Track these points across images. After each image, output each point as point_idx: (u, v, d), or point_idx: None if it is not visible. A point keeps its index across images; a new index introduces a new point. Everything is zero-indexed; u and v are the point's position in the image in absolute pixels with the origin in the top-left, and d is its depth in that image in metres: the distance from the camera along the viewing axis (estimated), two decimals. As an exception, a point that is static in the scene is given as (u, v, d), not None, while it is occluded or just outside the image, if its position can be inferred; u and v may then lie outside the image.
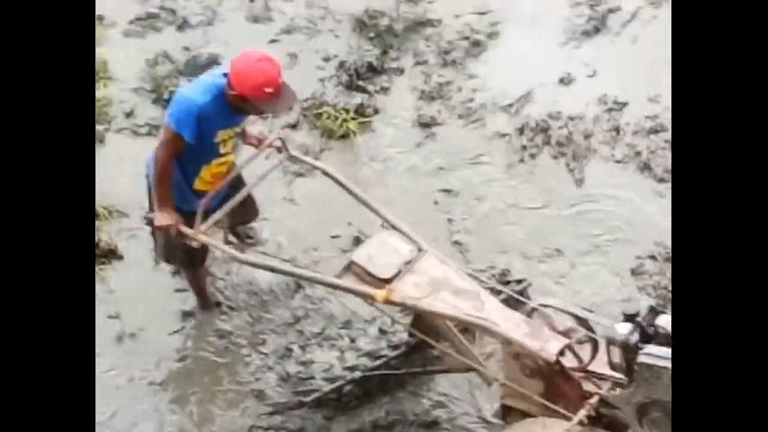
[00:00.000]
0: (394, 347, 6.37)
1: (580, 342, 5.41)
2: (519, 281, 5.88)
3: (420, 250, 5.66)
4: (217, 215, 5.85)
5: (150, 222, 5.94)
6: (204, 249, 6.25)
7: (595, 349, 5.37)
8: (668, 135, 7.78)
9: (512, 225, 7.26)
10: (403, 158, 7.72)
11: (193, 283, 6.60)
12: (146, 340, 6.62)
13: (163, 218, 5.81)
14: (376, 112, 8.00)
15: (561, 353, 5.29)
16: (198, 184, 5.92)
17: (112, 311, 6.71)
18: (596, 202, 7.44)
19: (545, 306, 5.51)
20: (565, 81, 8.21)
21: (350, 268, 5.65)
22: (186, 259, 6.37)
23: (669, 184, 7.47)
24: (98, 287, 6.71)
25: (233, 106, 5.66)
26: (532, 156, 7.72)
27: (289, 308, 6.72)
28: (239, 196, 5.92)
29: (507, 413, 5.65)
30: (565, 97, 8.08)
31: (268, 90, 5.54)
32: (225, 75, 5.65)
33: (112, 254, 6.95)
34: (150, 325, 6.68)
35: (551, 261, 7.04)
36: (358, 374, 6.26)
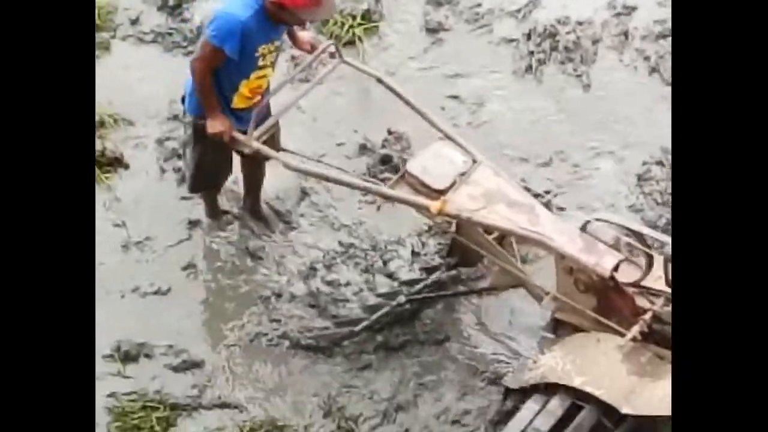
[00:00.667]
0: (429, 269, 6.27)
1: (634, 257, 5.37)
2: (542, 194, 5.85)
3: (474, 161, 5.61)
4: (270, 121, 5.88)
5: (202, 128, 5.90)
6: (226, 173, 6.34)
7: (649, 265, 5.32)
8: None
9: (519, 131, 7.21)
10: (410, 64, 7.66)
11: (208, 199, 6.64)
12: (152, 248, 6.63)
13: (215, 125, 5.79)
14: (383, 18, 7.92)
15: (615, 268, 5.26)
16: (237, 102, 5.91)
17: (118, 220, 6.71)
18: (604, 107, 7.39)
19: (601, 220, 5.46)
20: (574, -15, 8.11)
21: (404, 177, 5.62)
22: (215, 186, 6.47)
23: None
24: (104, 195, 6.73)
25: (274, 17, 5.64)
26: (540, 62, 7.65)
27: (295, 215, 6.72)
28: (294, 101, 5.99)
29: (558, 327, 5.63)
30: (573, 2, 7.98)
31: None
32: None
33: (118, 162, 6.93)
34: (156, 233, 6.68)
35: (557, 167, 7.01)
36: (402, 299, 6.12)
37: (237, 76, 5.80)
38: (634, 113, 7.35)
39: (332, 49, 6.00)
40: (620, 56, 7.69)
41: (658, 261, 5.27)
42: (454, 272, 6.21)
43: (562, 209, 6.53)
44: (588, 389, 5.10)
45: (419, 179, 5.54)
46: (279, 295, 6.27)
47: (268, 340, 6.13)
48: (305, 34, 6.10)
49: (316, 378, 5.98)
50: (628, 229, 5.42)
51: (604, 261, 5.25)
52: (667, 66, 7.53)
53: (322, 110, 7.24)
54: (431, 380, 6.01)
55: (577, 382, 5.14)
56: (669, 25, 7.75)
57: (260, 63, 5.81)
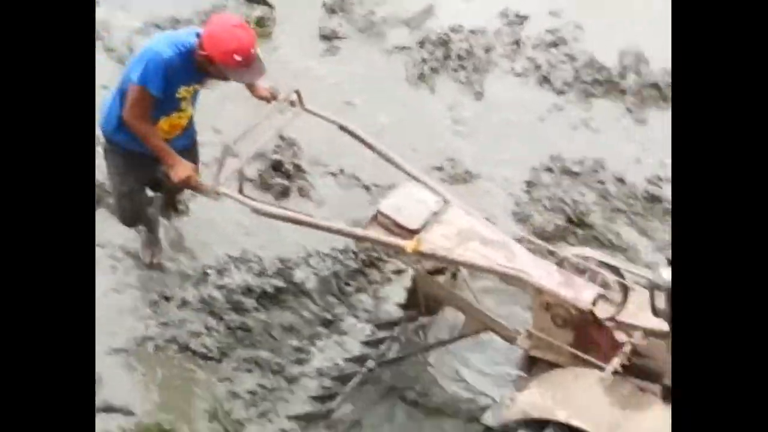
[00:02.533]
0: (388, 325, 6.14)
1: (610, 290, 5.34)
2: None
3: (446, 201, 5.58)
4: (237, 167, 5.72)
5: (165, 177, 5.75)
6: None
7: (625, 297, 5.32)
8: (568, 48, 7.86)
9: (412, 138, 7.27)
10: (305, 71, 7.69)
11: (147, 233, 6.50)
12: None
13: (178, 172, 5.62)
14: (276, 24, 7.94)
15: (594, 302, 5.23)
16: None
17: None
18: (495, 115, 7.48)
19: (578, 256, 5.45)
20: (467, -6, 8.23)
21: (377, 218, 5.54)
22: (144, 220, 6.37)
23: (568, 96, 7.56)
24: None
25: (200, 66, 5.57)
26: (433, 69, 7.73)
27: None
28: (262, 142, 5.85)
29: (532, 364, 5.58)
30: (466, 11, 8.08)
31: (238, 58, 5.42)
32: (198, 35, 5.55)
33: None
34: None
35: (447, 173, 7.07)
36: (372, 363, 5.90)
37: (157, 113, 5.69)
38: (524, 121, 7.44)
39: (293, 97, 5.91)
40: (512, 64, 7.79)
41: (633, 294, 5.31)
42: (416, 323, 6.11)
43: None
44: (574, 423, 5.10)
45: (392, 219, 5.48)
46: (168, 299, 6.23)
47: (156, 345, 6.08)
48: (262, 84, 5.98)
49: (203, 383, 5.95)
50: (603, 263, 5.42)
51: (583, 295, 5.23)
52: (557, 75, 7.66)
53: (214, 115, 7.21)
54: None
55: (561, 417, 5.11)
56: (561, 34, 7.90)
57: (182, 105, 5.74)
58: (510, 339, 5.59)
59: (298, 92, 5.86)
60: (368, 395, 5.90)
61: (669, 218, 6.86)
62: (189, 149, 5.97)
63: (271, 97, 5.90)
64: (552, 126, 7.46)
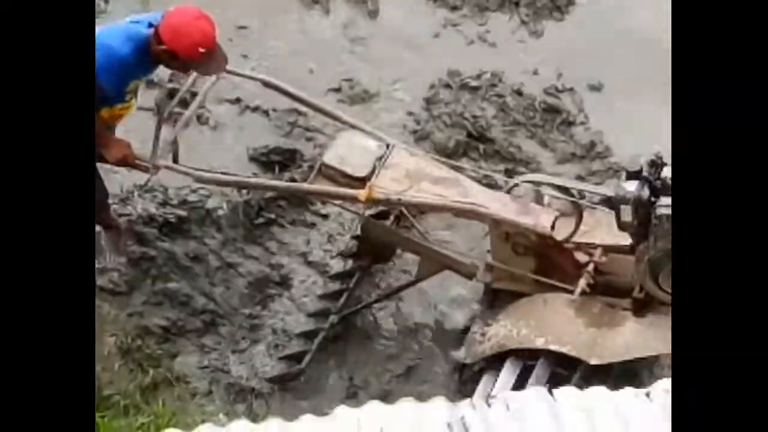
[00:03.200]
0: (343, 275, 6.07)
1: (565, 212, 5.37)
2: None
3: (388, 145, 5.53)
4: (170, 138, 5.63)
5: (101, 159, 5.52)
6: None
7: (579, 217, 5.32)
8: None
9: (306, 60, 7.19)
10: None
11: None
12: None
13: (113, 152, 5.48)
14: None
15: (553, 225, 5.22)
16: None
17: None
18: (390, 33, 7.43)
19: (527, 182, 5.46)
20: None
21: (321, 171, 5.49)
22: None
23: (462, 11, 7.54)
24: None
25: (156, 59, 5.36)
26: (328, -11, 7.64)
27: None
28: (191, 111, 5.77)
29: (494, 297, 5.58)
30: (357, -72, 7.97)
31: (202, 50, 5.24)
32: (150, 25, 5.30)
33: None
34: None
35: (345, 94, 7.03)
36: (335, 318, 5.89)
37: (100, 103, 5.39)
38: (420, 38, 7.40)
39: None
40: (406, -19, 7.73)
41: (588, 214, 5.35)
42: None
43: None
44: (553, 348, 5.13)
45: (339, 170, 5.44)
46: None
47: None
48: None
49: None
50: (552, 185, 5.45)
51: (541, 220, 5.23)
52: (453, -9, 7.63)
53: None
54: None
55: (539, 343, 5.16)
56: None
57: (127, 97, 5.53)
58: (469, 275, 5.59)
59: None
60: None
61: (567, 128, 6.94)
62: None
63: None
64: (447, 42, 7.42)
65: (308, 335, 5.86)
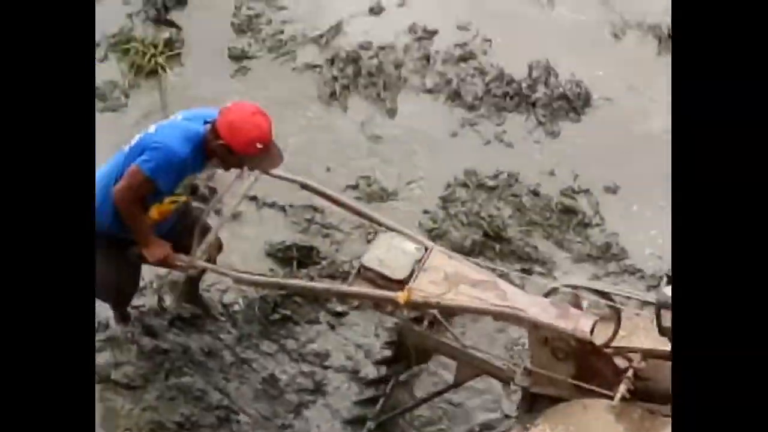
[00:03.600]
0: (377, 382, 6.04)
1: (604, 317, 5.27)
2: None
3: (426, 248, 5.52)
4: (210, 237, 5.61)
5: (139, 258, 5.56)
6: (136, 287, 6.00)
7: (618, 322, 5.23)
8: (477, 62, 7.89)
9: (326, 158, 7.24)
10: (215, 92, 7.61)
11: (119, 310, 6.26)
12: None
13: (154, 253, 5.47)
14: (185, 45, 7.87)
15: (592, 330, 5.14)
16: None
17: None
18: (408, 131, 7.50)
19: (567, 286, 5.39)
20: (375, 10, 8.22)
21: (360, 273, 5.46)
22: (125, 302, 6.10)
23: (479, 111, 7.60)
24: None
25: (212, 154, 5.36)
26: (344, 87, 7.72)
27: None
28: (226, 218, 5.91)
29: (532, 402, 5.47)
30: (375, 27, 8.09)
31: (260, 146, 5.26)
32: (206, 122, 5.33)
33: None
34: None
35: (362, 191, 7.09)
36: (372, 425, 5.89)
37: (152, 201, 5.46)
38: (437, 137, 7.46)
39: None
40: (423, 80, 7.81)
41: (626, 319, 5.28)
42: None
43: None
44: None
45: (377, 272, 5.40)
46: None
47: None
48: None
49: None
50: (591, 290, 5.38)
51: (581, 324, 5.15)
52: (468, 89, 7.70)
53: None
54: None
55: None
56: (470, 47, 7.93)
57: (178, 190, 5.54)
58: (506, 379, 5.52)
59: None
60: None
61: (583, 229, 6.96)
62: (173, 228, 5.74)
63: None
64: (465, 141, 7.48)
65: None
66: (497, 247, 6.79)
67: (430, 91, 7.78)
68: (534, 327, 5.26)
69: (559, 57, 7.94)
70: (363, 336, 6.35)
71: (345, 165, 7.23)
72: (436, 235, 6.79)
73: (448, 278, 5.37)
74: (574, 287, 5.40)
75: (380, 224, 5.76)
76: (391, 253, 5.46)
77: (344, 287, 5.58)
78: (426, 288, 5.32)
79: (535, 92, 7.80)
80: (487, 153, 7.43)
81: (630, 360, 5.25)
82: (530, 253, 6.77)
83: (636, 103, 7.75)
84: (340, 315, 6.40)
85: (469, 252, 6.59)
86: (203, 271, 5.89)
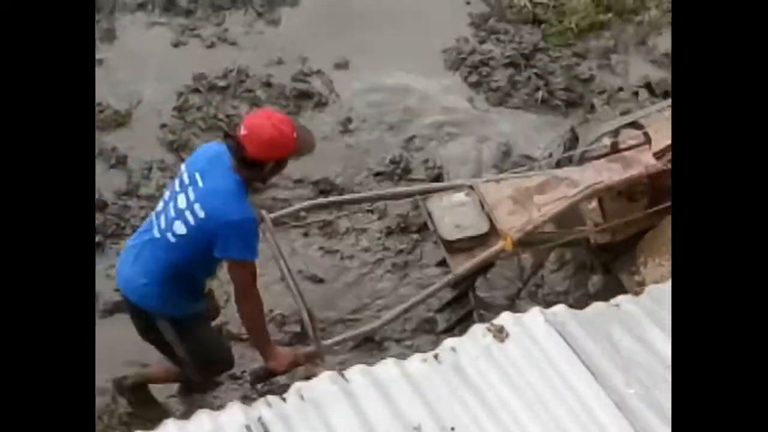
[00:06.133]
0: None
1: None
2: None
3: (469, 187, 5.53)
4: (349, 335, 5.43)
5: (265, 375, 5.23)
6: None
7: (649, 140, 5.62)
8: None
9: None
10: None
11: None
12: None
13: (281, 361, 5.13)
14: None
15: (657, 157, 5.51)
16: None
17: None
18: (130, 52, 7.37)
19: (605, 134, 5.72)
20: None
21: (451, 248, 5.40)
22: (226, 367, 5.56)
23: (198, 15, 7.53)
24: None
25: (260, 180, 5.05)
26: None
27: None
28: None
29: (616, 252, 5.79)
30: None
31: (295, 134, 4.81)
32: (231, 170, 4.81)
33: None
34: None
35: (99, 120, 6.83)
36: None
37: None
38: (159, 51, 7.41)
39: None
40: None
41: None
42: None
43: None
44: None
45: (464, 238, 5.40)
46: None
47: None
48: None
49: None
50: (618, 127, 5.76)
51: (645, 160, 5.54)
52: (181, -5, 7.59)
53: None
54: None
55: None
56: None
57: None
58: (580, 241, 5.80)
59: None
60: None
61: (322, 109, 7.04)
62: None
63: None
64: (188, 49, 7.41)
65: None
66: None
67: (142, 6, 7.63)
68: (608, 188, 5.57)
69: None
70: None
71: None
72: (178, 146, 6.70)
73: (518, 201, 5.50)
74: (615, 132, 5.76)
75: (437, 189, 5.71)
76: (456, 214, 5.48)
77: (450, 279, 5.45)
78: (514, 222, 5.41)
79: (249, -16, 7.75)
80: (214, 55, 7.38)
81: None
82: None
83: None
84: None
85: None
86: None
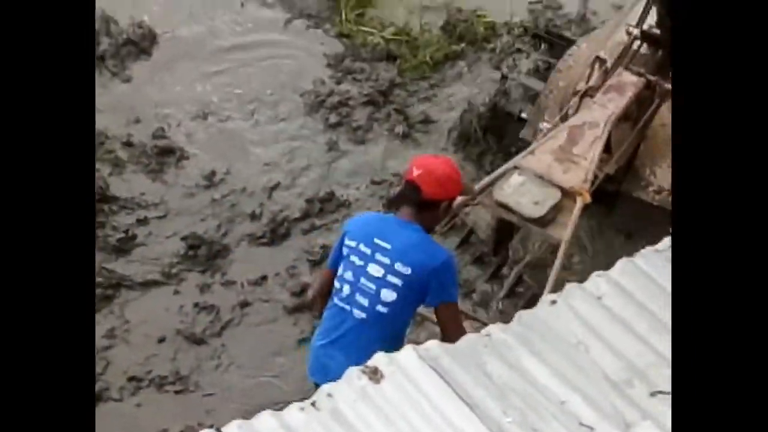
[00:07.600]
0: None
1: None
2: None
3: (515, 167, 5.63)
4: None
5: None
6: None
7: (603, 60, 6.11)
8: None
9: None
10: None
11: None
12: None
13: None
14: None
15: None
16: None
17: None
18: None
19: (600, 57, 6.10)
20: None
21: (543, 222, 5.51)
22: None
23: None
24: None
25: (435, 223, 5.07)
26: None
27: None
28: None
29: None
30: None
31: (458, 171, 4.99)
32: (408, 223, 4.85)
33: None
34: None
35: None
36: None
37: None
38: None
39: None
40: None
41: None
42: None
43: None
44: None
45: (549, 210, 5.51)
46: None
47: None
48: None
49: None
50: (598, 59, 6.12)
51: (628, 78, 5.96)
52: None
53: None
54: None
55: None
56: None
57: None
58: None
59: None
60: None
61: (184, 164, 7.03)
62: None
63: None
64: None
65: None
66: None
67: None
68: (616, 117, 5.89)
69: (114, 4, 7.90)
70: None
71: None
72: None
73: (562, 160, 5.69)
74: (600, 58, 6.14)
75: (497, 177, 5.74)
76: (526, 194, 5.57)
77: (564, 235, 5.55)
78: (574, 179, 5.60)
79: (99, 45, 7.70)
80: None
81: None
82: (140, 202, 6.77)
83: (197, 29, 7.94)
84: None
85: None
86: None
